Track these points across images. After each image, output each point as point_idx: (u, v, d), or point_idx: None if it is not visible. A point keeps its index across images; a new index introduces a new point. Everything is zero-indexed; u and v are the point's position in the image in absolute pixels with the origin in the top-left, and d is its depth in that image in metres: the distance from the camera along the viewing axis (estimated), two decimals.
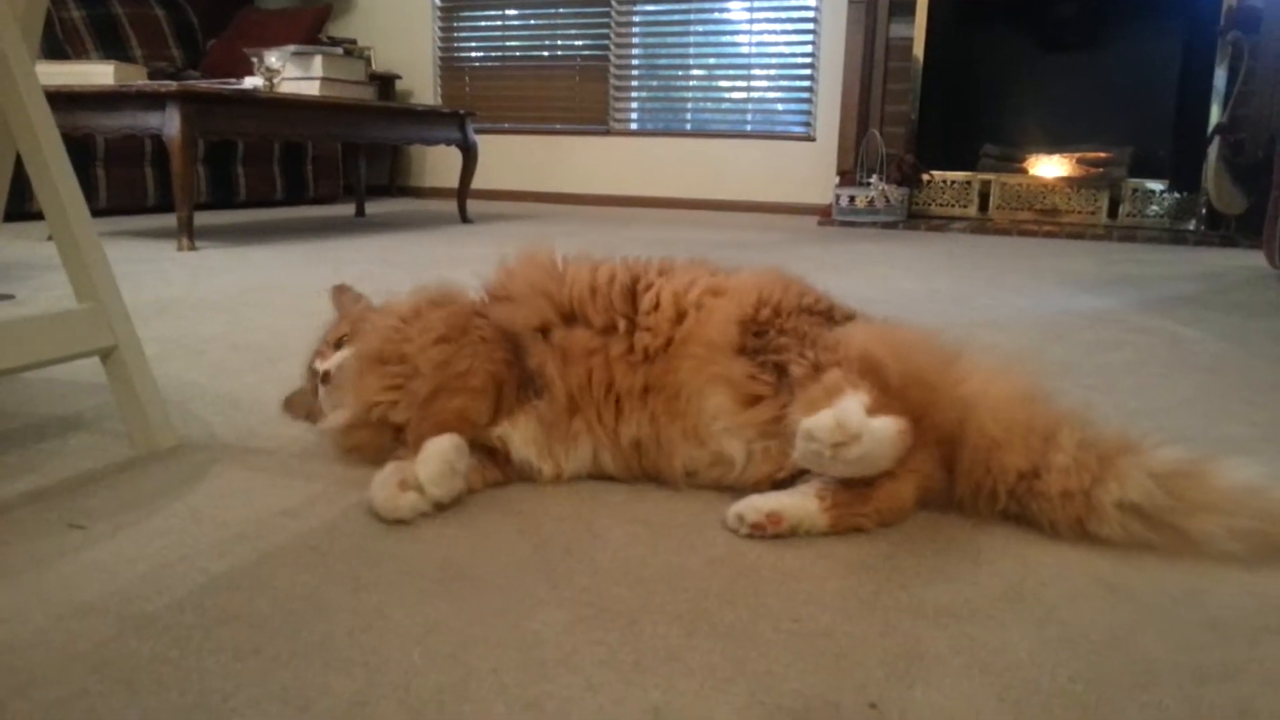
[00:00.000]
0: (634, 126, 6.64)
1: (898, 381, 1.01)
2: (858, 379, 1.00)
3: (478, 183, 5.13)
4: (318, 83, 4.22)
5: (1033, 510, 1.04)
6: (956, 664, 0.76)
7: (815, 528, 0.99)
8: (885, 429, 0.96)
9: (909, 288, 2.94)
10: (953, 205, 5.46)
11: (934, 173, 5.47)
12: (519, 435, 1.13)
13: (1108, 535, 0.99)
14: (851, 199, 5.32)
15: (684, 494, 1.12)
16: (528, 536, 1.00)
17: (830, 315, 1.15)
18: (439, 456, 1.03)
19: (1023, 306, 2.63)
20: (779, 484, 1.05)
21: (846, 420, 0.94)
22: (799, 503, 1.00)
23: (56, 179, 1.22)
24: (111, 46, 5.18)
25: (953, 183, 5.46)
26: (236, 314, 2.27)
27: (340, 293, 1.40)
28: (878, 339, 1.06)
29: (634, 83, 6.61)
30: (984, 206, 5.40)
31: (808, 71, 6.04)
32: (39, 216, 3.83)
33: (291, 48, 4.26)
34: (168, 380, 1.60)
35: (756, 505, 0.99)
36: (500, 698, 0.70)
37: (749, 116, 6.33)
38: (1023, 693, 0.72)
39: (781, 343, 1.09)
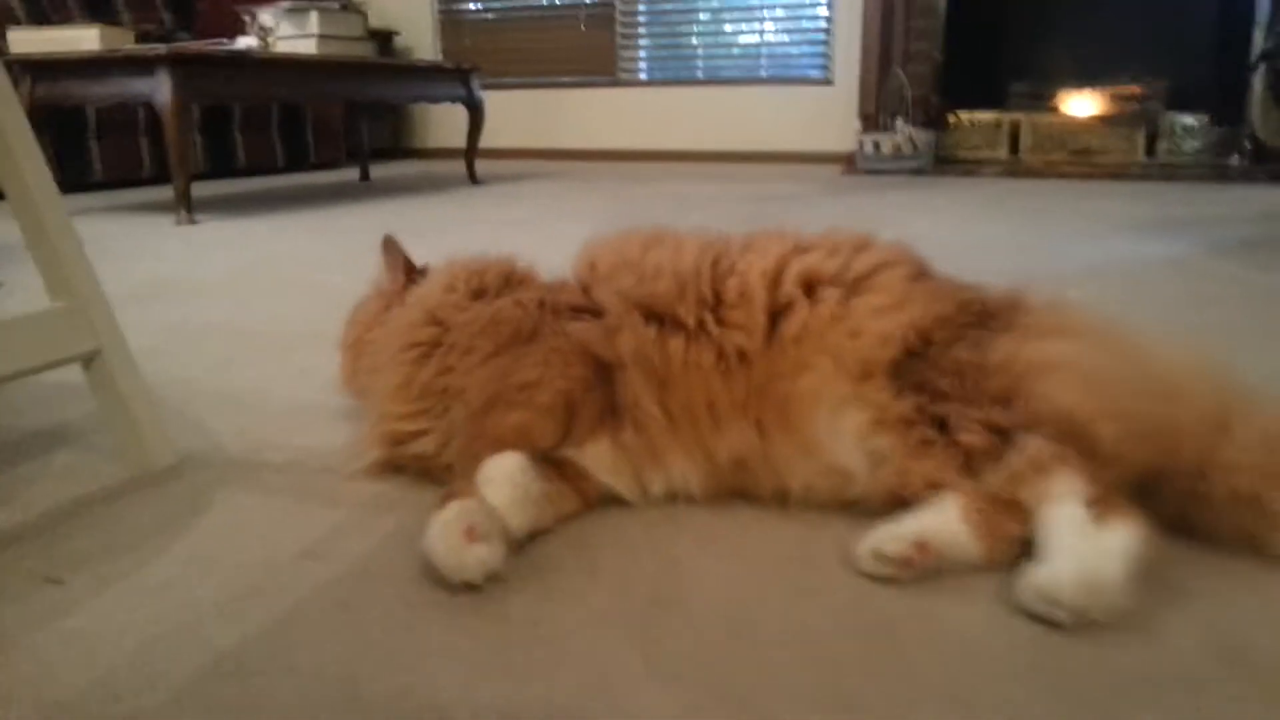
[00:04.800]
0: (643, 77, 6.38)
1: (1112, 444, 0.82)
2: (1065, 452, 0.81)
3: (482, 141, 4.90)
4: (314, 40, 3.99)
5: (1192, 516, 0.85)
6: None
7: (968, 556, 0.81)
8: (1127, 555, 0.75)
9: (959, 240, 2.73)
10: (981, 148, 5.22)
11: (960, 114, 5.22)
12: (596, 463, 0.94)
13: None
14: (876, 145, 5.08)
15: (776, 513, 0.94)
16: (601, 580, 0.82)
17: (985, 320, 0.95)
18: (506, 479, 0.84)
19: (1087, 256, 2.43)
20: (902, 502, 0.87)
21: (1095, 579, 0.73)
22: (947, 526, 0.81)
23: (19, 156, 1.03)
24: (99, 10, 4.91)
25: (981, 124, 5.21)
26: (239, 295, 2.09)
27: (389, 248, 1.21)
28: (1074, 383, 0.85)
29: (641, 30, 6.33)
30: (1014, 148, 5.15)
31: (823, 12, 5.76)
32: None
33: (285, 4, 4.02)
34: (163, 378, 1.42)
35: (898, 534, 0.81)
36: None
37: (762, 62, 6.06)
38: None
39: (941, 386, 0.89)
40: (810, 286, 0.99)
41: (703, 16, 6.14)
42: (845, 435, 0.92)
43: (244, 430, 1.22)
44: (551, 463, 0.92)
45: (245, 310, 1.94)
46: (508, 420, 0.90)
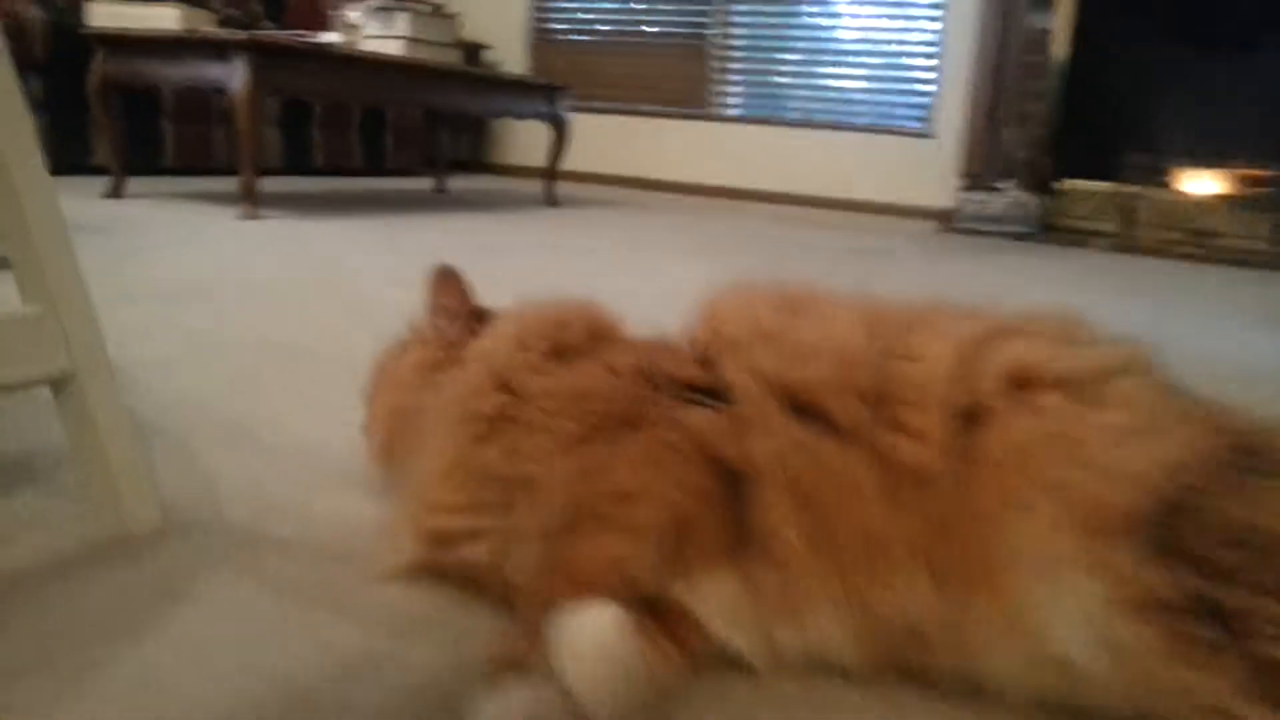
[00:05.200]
0: (733, 112, 6.14)
1: None
2: None
3: (563, 163, 4.69)
4: (401, 42, 3.81)
5: None
6: None
7: None
8: None
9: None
10: (1090, 218, 4.87)
11: (1070, 181, 4.89)
12: (711, 606, 0.68)
13: None
14: (979, 205, 4.77)
15: (962, 707, 0.66)
16: None
17: (1250, 460, 0.67)
18: (599, 653, 0.57)
19: (1245, 356, 2.11)
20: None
21: None
22: None
23: None
24: None
25: (1092, 193, 4.87)
26: (285, 301, 1.86)
27: (445, 283, 0.94)
28: None
29: (734, 65, 6.10)
30: (1126, 222, 4.80)
31: (930, 62, 5.48)
32: (95, 171, 3.48)
33: (375, 2, 3.86)
34: (172, 396, 1.19)
35: None
36: None
37: (860, 108, 5.78)
38: None
39: (1216, 558, 0.61)
40: (1021, 388, 0.72)
41: (800, 57, 5.89)
42: (1069, 611, 0.63)
43: (252, 479, 0.97)
44: (643, 599, 0.66)
45: (289, 321, 1.70)
46: (599, 549, 0.63)
